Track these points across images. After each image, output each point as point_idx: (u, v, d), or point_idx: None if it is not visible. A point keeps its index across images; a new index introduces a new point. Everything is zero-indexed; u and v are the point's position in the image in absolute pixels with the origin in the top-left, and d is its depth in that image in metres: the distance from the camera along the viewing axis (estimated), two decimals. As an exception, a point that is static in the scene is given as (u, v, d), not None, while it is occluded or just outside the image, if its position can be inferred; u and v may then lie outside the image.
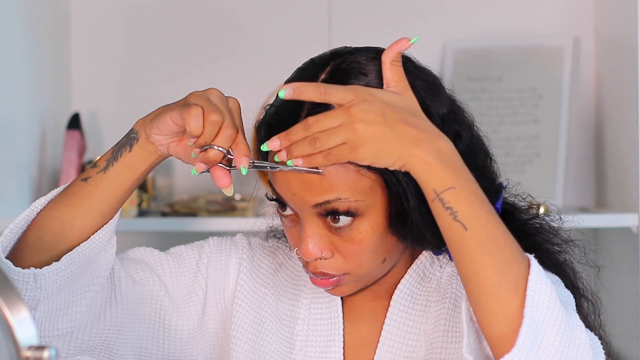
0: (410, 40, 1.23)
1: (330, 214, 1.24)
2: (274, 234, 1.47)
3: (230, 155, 1.23)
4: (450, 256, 1.32)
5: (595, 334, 1.23)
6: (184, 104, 1.24)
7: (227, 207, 2.28)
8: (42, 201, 1.32)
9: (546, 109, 2.37)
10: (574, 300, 1.27)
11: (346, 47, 1.30)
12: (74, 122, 2.31)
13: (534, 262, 1.18)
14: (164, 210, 2.31)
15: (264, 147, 1.22)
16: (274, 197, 1.29)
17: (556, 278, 1.29)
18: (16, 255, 1.29)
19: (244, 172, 1.22)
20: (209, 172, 1.25)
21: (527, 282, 1.16)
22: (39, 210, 1.32)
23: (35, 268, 1.27)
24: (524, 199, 1.39)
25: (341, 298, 1.39)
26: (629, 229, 2.14)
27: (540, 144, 2.35)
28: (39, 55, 2.29)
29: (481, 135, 1.34)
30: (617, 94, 2.29)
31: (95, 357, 1.37)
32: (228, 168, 1.25)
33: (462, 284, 1.19)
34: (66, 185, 1.33)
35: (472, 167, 1.21)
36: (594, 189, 2.42)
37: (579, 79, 2.38)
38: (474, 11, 2.45)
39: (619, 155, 2.27)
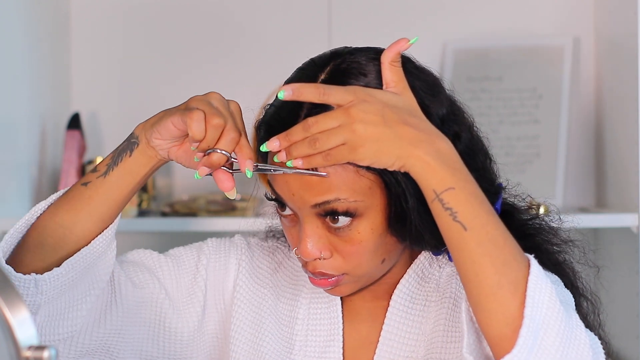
0: (409, 41, 1.23)
1: (330, 214, 1.25)
2: (273, 234, 1.47)
3: (233, 158, 1.24)
4: (449, 257, 1.32)
5: (595, 334, 1.23)
6: (185, 108, 1.24)
7: (227, 207, 2.29)
8: (42, 205, 1.32)
9: (546, 109, 2.37)
10: (573, 300, 1.27)
11: (346, 47, 1.30)
12: (74, 122, 2.31)
13: (534, 262, 1.18)
14: (164, 210, 2.32)
15: (264, 148, 1.22)
16: (274, 197, 1.29)
17: (556, 278, 1.29)
18: (16, 260, 1.29)
19: (249, 175, 1.23)
20: (211, 175, 1.25)
21: (527, 282, 1.16)
22: (38, 215, 1.32)
23: (36, 273, 1.27)
24: (524, 199, 1.39)
25: (341, 298, 1.39)
26: (629, 229, 2.14)
27: (540, 144, 2.35)
28: (39, 55, 2.29)
29: (481, 136, 1.34)
30: (617, 94, 2.29)
31: (96, 360, 1.37)
32: (230, 171, 1.25)
33: (462, 284, 1.19)
34: (66, 189, 1.33)
35: (471, 167, 1.21)
36: (594, 189, 2.42)
37: (579, 79, 2.38)
38: (474, 11, 2.45)
39: (619, 155, 2.27)
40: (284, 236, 1.42)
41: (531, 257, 1.19)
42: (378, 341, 1.36)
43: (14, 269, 1.27)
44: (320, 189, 1.23)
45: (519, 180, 1.41)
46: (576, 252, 1.38)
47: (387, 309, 1.36)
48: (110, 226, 1.32)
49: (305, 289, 1.41)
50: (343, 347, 1.38)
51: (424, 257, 1.36)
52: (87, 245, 1.30)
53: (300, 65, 1.30)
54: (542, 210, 1.44)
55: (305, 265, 1.29)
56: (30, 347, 0.91)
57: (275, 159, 1.22)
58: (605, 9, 2.35)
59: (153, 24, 2.48)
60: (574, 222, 1.43)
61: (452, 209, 1.17)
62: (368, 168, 1.22)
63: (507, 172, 1.42)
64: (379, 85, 1.23)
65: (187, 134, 1.24)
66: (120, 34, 2.49)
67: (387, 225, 1.26)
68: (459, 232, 1.17)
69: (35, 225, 1.31)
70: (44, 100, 2.32)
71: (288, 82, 1.28)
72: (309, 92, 1.20)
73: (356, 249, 1.26)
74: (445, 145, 1.19)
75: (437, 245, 1.27)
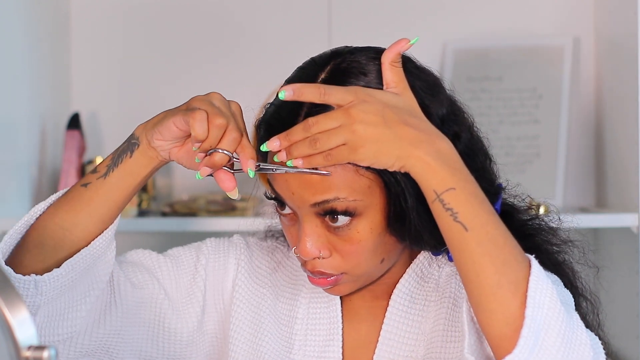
0: (410, 41, 1.23)
1: (329, 213, 1.24)
2: (272, 234, 1.47)
3: (235, 158, 1.24)
4: (449, 257, 1.32)
5: (595, 334, 1.23)
6: (187, 108, 1.24)
7: (227, 207, 2.28)
8: (42, 206, 1.32)
9: (546, 109, 2.37)
10: (573, 300, 1.27)
11: (347, 46, 1.30)
12: (74, 122, 2.31)
13: (534, 262, 1.18)
14: (164, 210, 2.31)
15: (264, 148, 1.22)
16: (273, 196, 1.29)
17: (555, 278, 1.29)
18: (16, 260, 1.29)
19: (251, 174, 1.22)
20: (212, 175, 1.25)
21: (527, 282, 1.16)
22: (38, 216, 1.31)
23: (36, 274, 1.27)
24: (524, 199, 1.39)
25: (340, 298, 1.39)
26: (629, 229, 2.14)
27: (540, 144, 2.35)
28: (39, 55, 2.29)
29: (481, 136, 1.34)
30: (617, 94, 2.29)
31: (95, 361, 1.37)
32: (232, 171, 1.25)
33: (463, 284, 1.19)
34: (65, 190, 1.33)
35: (471, 168, 1.21)
36: (594, 189, 2.42)
37: (579, 79, 2.38)
38: (474, 11, 2.45)
39: (619, 155, 2.27)
40: (283, 236, 1.42)
41: (532, 258, 1.19)
42: (377, 341, 1.36)
43: (14, 270, 1.27)
44: (320, 188, 1.23)
45: (519, 180, 1.41)
46: (576, 252, 1.38)
47: (386, 309, 1.36)
48: (110, 227, 1.32)
49: (305, 289, 1.41)
50: (342, 347, 1.38)
51: (424, 256, 1.36)
52: (87, 246, 1.30)
53: (300, 64, 1.30)
54: (542, 211, 1.44)
55: (304, 264, 1.29)
56: (30, 347, 0.91)
57: (276, 159, 1.22)
58: (605, 9, 2.35)
59: (153, 24, 2.48)
60: (573, 222, 1.43)
61: (453, 210, 1.17)
62: (368, 167, 1.22)
63: (507, 172, 1.42)
64: (379, 84, 1.23)
65: (189, 135, 1.24)
66: (120, 34, 2.49)
67: (386, 225, 1.26)
68: (460, 232, 1.17)
69: (34, 226, 1.31)
70: (44, 100, 2.32)
71: (288, 81, 1.28)
72: (310, 92, 1.20)
73: (355, 248, 1.26)
74: (445, 145, 1.19)
75: (437, 245, 1.27)
